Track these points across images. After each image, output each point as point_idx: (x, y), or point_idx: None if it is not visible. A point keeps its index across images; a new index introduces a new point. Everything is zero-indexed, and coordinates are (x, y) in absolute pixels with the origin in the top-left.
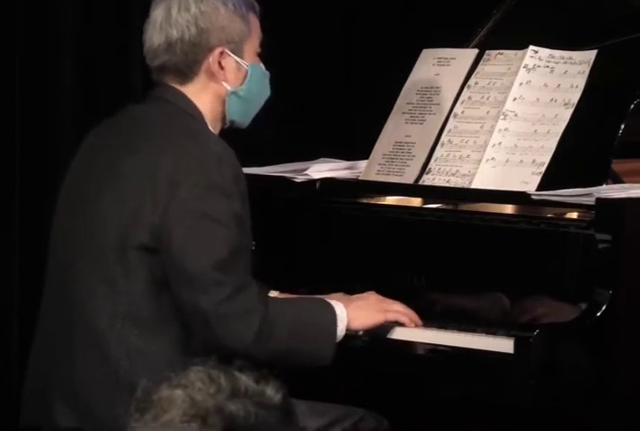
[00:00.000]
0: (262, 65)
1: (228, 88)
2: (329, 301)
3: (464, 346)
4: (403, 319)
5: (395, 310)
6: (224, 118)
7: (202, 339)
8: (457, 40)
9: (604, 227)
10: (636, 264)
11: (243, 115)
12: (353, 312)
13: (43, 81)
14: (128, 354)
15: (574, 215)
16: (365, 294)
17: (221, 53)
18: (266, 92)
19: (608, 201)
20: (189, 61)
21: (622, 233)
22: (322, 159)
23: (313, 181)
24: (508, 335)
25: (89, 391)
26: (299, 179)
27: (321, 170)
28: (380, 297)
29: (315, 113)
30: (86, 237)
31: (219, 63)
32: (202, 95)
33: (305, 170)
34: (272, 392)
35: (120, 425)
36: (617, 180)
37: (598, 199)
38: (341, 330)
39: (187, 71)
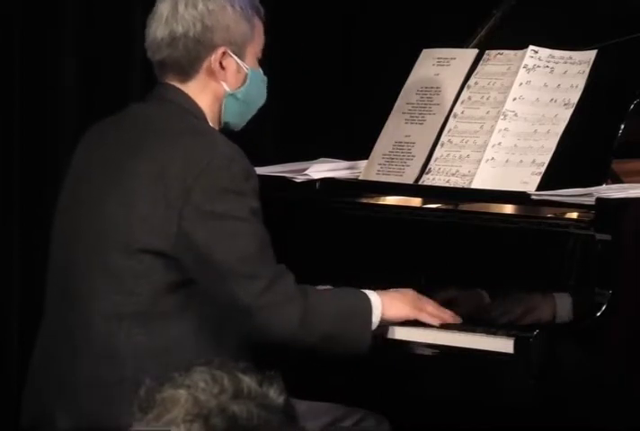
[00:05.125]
0: (261, 70)
1: (227, 89)
2: (365, 292)
3: (464, 346)
4: (434, 323)
5: (429, 311)
6: (220, 119)
7: (245, 333)
8: (457, 40)
9: (604, 227)
10: (636, 264)
11: (237, 117)
12: (388, 302)
13: (43, 81)
14: (134, 352)
15: (574, 215)
16: (402, 289)
17: (223, 53)
18: (263, 98)
19: (608, 201)
20: (190, 57)
21: (622, 233)
22: (322, 159)
23: (313, 181)
24: (508, 335)
25: (91, 392)
26: (299, 179)
27: (321, 170)
28: (417, 294)
29: (315, 113)
30: (89, 237)
31: (220, 63)
32: (202, 94)
33: (305, 170)
34: (275, 395)
35: (123, 425)
36: (617, 180)
37: (598, 199)
38: (376, 317)
39: (188, 68)
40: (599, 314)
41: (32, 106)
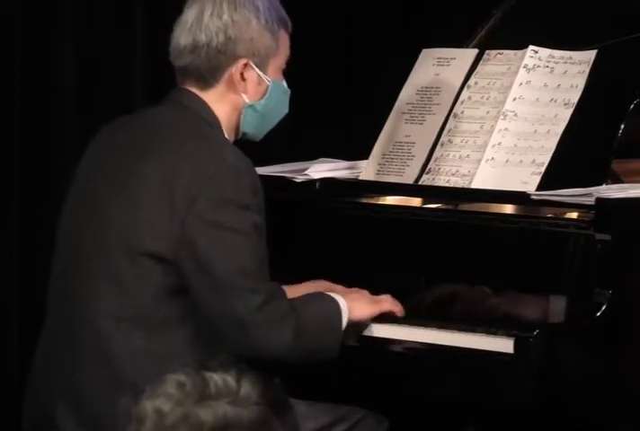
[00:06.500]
0: (284, 82)
1: (246, 100)
2: (332, 295)
3: (464, 346)
4: (395, 309)
5: (386, 301)
6: (238, 129)
7: (235, 346)
8: (457, 40)
9: (604, 227)
10: (636, 264)
11: (257, 129)
12: (351, 304)
13: (43, 81)
14: (132, 356)
15: (574, 215)
16: (354, 289)
17: (245, 64)
18: (284, 110)
19: (608, 201)
20: (212, 67)
21: (622, 233)
22: (322, 159)
23: (313, 181)
24: (508, 335)
25: (91, 392)
26: (299, 179)
27: (321, 170)
28: (367, 292)
29: (315, 113)
30: (92, 238)
31: (242, 74)
32: (220, 104)
33: (305, 170)
34: (247, 389)
35: (122, 426)
36: (617, 180)
37: (598, 199)
38: (344, 323)
39: (208, 76)
40: (599, 314)
41: (32, 106)
